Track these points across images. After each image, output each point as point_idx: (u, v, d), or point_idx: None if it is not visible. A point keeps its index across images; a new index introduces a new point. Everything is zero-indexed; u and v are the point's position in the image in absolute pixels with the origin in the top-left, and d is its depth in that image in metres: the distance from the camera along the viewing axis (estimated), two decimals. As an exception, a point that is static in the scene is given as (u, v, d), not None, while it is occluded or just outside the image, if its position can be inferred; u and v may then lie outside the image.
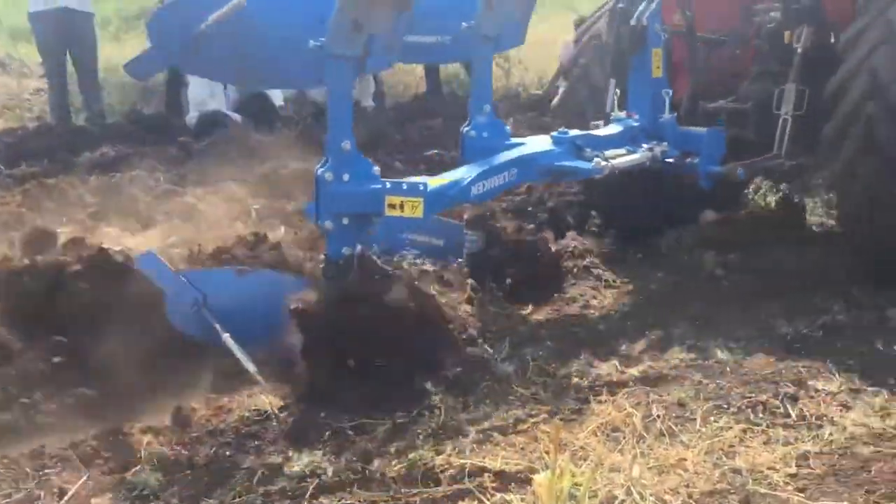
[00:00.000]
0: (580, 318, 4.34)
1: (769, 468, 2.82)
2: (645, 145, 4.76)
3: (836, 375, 3.48)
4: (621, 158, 4.48)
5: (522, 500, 2.69)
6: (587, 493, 2.54)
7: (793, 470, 2.82)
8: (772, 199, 5.97)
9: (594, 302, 4.57)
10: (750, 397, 3.33)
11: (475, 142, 4.19)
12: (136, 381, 3.47)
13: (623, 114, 4.87)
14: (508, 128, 4.40)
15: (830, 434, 3.04)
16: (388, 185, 3.58)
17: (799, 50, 4.75)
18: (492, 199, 4.63)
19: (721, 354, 3.78)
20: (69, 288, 3.78)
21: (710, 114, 5.15)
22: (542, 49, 10.33)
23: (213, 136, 8.05)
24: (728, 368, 3.65)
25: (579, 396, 3.40)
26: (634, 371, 3.67)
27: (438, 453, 2.96)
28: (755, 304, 4.44)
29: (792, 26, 4.82)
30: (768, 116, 4.82)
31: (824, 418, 3.16)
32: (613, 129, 4.77)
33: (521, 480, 2.78)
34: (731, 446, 2.98)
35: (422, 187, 3.56)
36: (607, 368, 3.70)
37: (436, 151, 7.46)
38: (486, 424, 3.16)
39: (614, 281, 4.84)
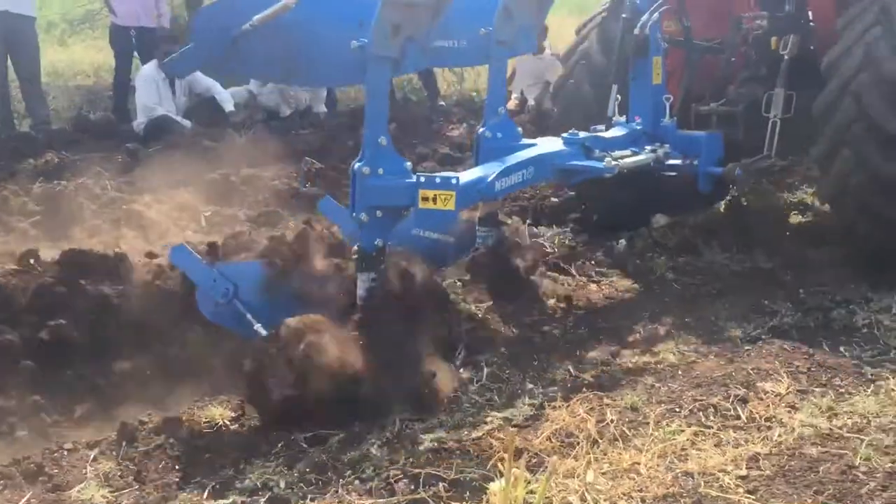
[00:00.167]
0: (534, 324, 4.35)
1: (720, 470, 2.86)
2: (648, 147, 5.02)
3: (785, 377, 3.54)
4: (628, 159, 4.73)
5: (477, 508, 2.68)
6: (542, 500, 2.55)
7: (743, 472, 2.86)
8: (721, 204, 6.06)
9: (548, 306, 4.58)
10: (701, 400, 3.37)
11: (490, 142, 4.33)
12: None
13: (623, 118, 5.10)
14: (520, 130, 4.54)
15: (779, 435, 3.09)
16: (422, 178, 3.67)
17: (786, 56, 5.10)
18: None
19: (672, 358, 3.84)
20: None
21: (702, 116, 5.43)
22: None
23: (161, 142, 7.93)
24: (679, 371, 3.70)
25: (533, 403, 3.41)
26: (588, 376, 3.70)
27: (393, 463, 2.94)
28: (705, 307, 4.52)
29: (778, 34, 5.16)
30: (756, 119, 5.15)
31: (773, 420, 3.22)
32: (618, 132, 5.01)
33: (476, 489, 2.77)
34: (683, 449, 3.02)
35: (454, 181, 3.66)
36: (561, 374, 3.73)
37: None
38: (440, 433, 3.15)
39: (567, 285, 4.88)
